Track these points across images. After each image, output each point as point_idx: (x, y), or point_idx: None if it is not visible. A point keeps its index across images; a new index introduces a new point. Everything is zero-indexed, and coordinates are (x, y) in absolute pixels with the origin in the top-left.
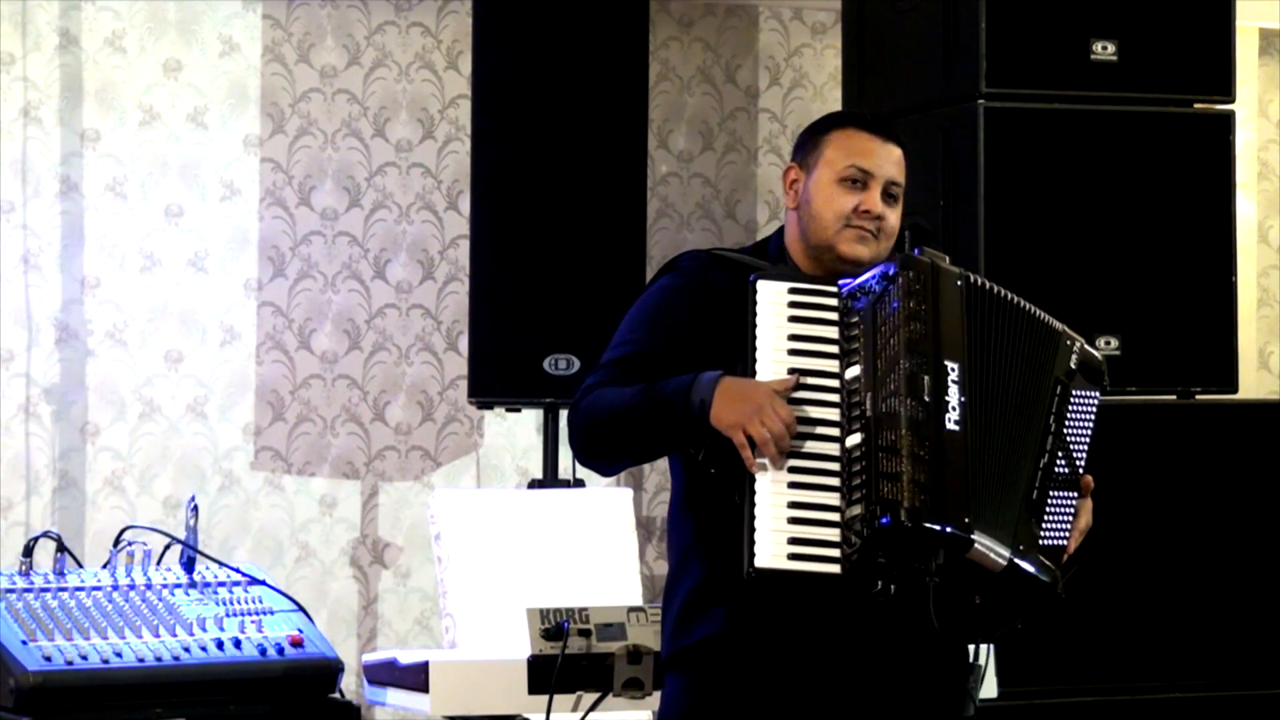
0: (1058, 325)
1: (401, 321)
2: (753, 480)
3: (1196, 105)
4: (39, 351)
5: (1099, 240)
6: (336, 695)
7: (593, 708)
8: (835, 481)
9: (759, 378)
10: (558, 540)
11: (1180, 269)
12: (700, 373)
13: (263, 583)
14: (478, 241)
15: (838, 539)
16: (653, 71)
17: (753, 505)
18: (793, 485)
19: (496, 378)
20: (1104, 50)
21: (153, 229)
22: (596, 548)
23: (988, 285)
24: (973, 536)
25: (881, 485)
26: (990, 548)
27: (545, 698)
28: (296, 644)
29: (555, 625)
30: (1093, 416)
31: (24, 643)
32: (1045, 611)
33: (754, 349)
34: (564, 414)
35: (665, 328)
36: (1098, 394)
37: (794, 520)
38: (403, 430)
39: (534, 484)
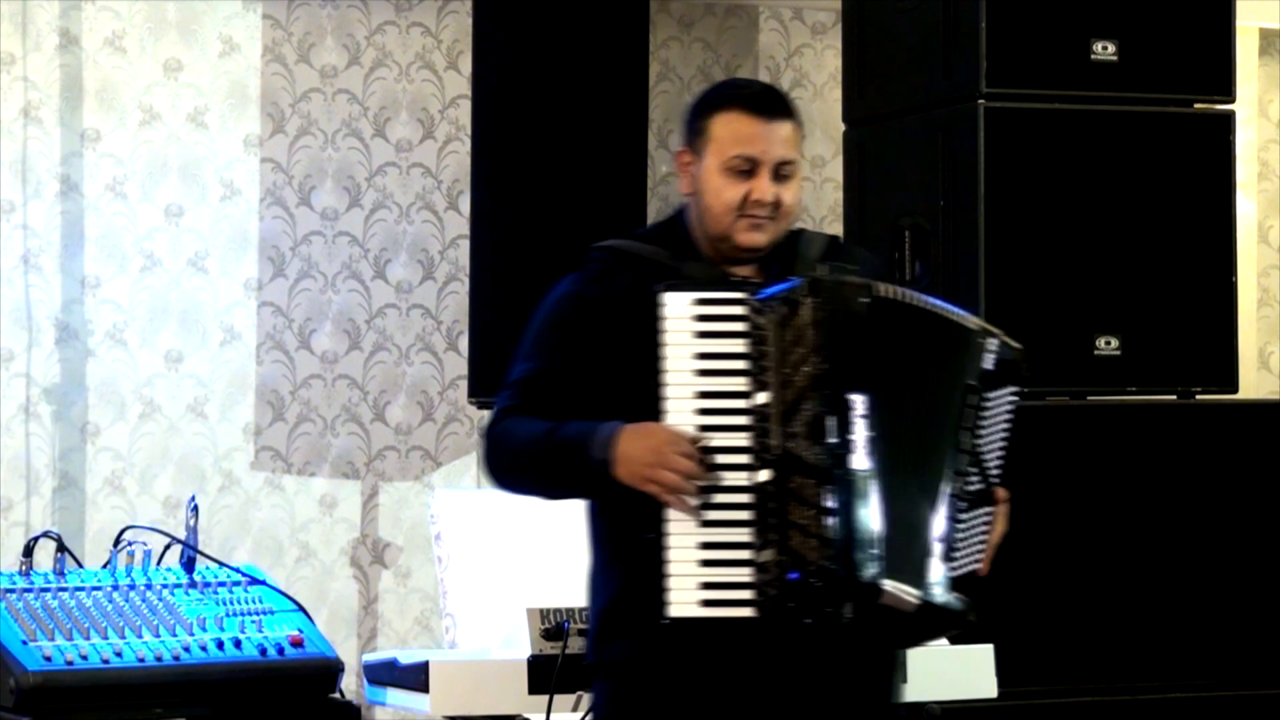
0: (971, 323)
1: (401, 321)
2: (663, 519)
3: (1196, 105)
4: (39, 351)
5: (1099, 240)
6: (336, 695)
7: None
8: (746, 515)
9: (668, 401)
10: (558, 540)
11: (1180, 269)
12: (597, 427)
13: (263, 583)
14: (478, 241)
15: (750, 579)
16: (653, 71)
17: (664, 549)
18: (704, 524)
19: (496, 378)
20: (1104, 50)
21: (153, 229)
22: None
23: (895, 295)
24: (882, 584)
25: (791, 535)
26: (900, 591)
27: (545, 698)
28: (296, 644)
29: (555, 625)
30: (1010, 415)
31: (24, 643)
32: (958, 633)
33: (662, 371)
34: None
35: (571, 344)
36: (1013, 389)
37: (706, 563)
38: (403, 430)
39: None
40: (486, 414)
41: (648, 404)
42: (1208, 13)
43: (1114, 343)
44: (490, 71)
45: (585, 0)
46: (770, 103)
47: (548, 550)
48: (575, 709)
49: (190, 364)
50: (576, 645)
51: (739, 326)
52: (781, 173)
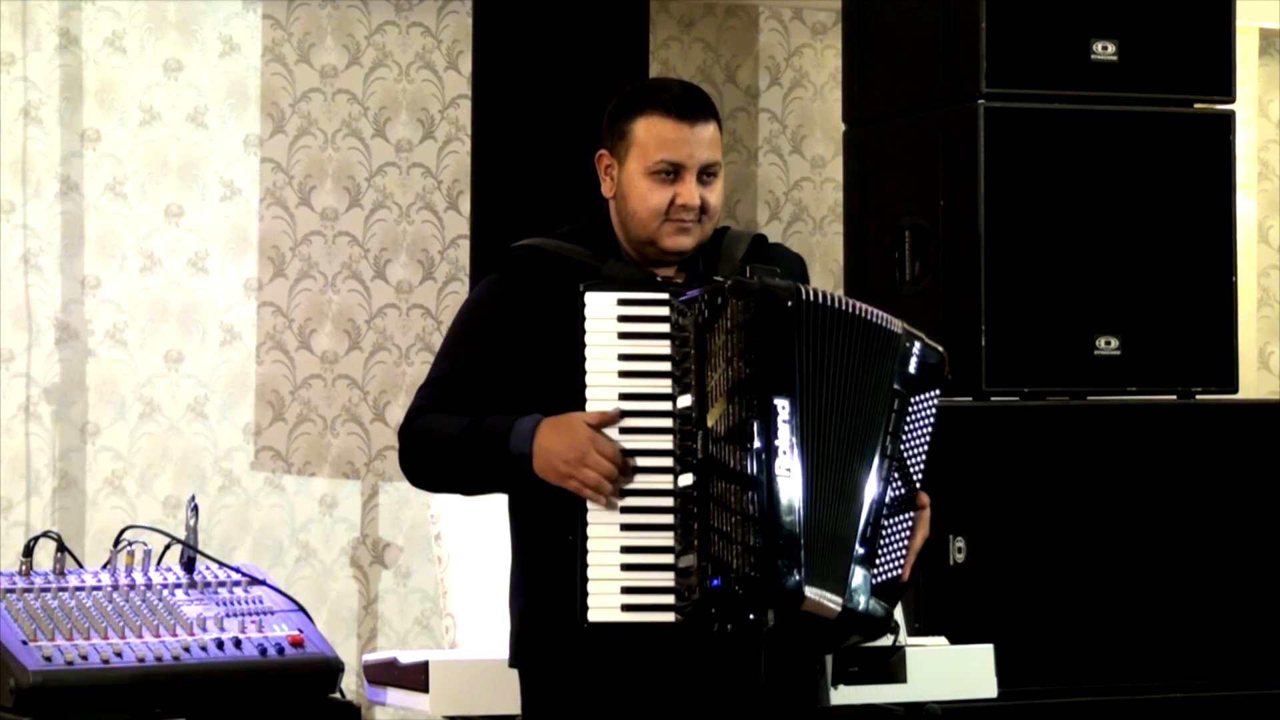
0: (896, 326)
1: (401, 321)
2: (585, 523)
3: (1196, 105)
4: (39, 351)
5: (1099, 240)
6: (336, 695)
7: None
8: (668, 519)
9: (589, 404)
10: None
11: (1180, 269)
12: (516, 421)
13: (263, 583)
14: (478, 241)
15: (672, 584)
16: (653, 71)
17: (585, 553)
18: (625, 527)
19: None
20: (1104, 50)
21: (153, 229)
22: None
23: (820, 298)
24: (804, 592)
25: (713, 541)
26: (823, 599)
27: None
28: (296, 644)
29: None
30: (932, 418)
31: (24, 643)
32: (879, 638)
33: (584, 372)
34: None
35: (491, 343)
36: (937, 392)
37: (627, 567)
38: None
39: None
40: None
41: (568, 404)
42: (1208, 13)
43: (1114, 343)
44: (490, 71)
45: (585, 0)
46: (692, 105)
47: None
48: None
49: (190, 364)
50: None
51: (662, 328)
52: (706, 175)
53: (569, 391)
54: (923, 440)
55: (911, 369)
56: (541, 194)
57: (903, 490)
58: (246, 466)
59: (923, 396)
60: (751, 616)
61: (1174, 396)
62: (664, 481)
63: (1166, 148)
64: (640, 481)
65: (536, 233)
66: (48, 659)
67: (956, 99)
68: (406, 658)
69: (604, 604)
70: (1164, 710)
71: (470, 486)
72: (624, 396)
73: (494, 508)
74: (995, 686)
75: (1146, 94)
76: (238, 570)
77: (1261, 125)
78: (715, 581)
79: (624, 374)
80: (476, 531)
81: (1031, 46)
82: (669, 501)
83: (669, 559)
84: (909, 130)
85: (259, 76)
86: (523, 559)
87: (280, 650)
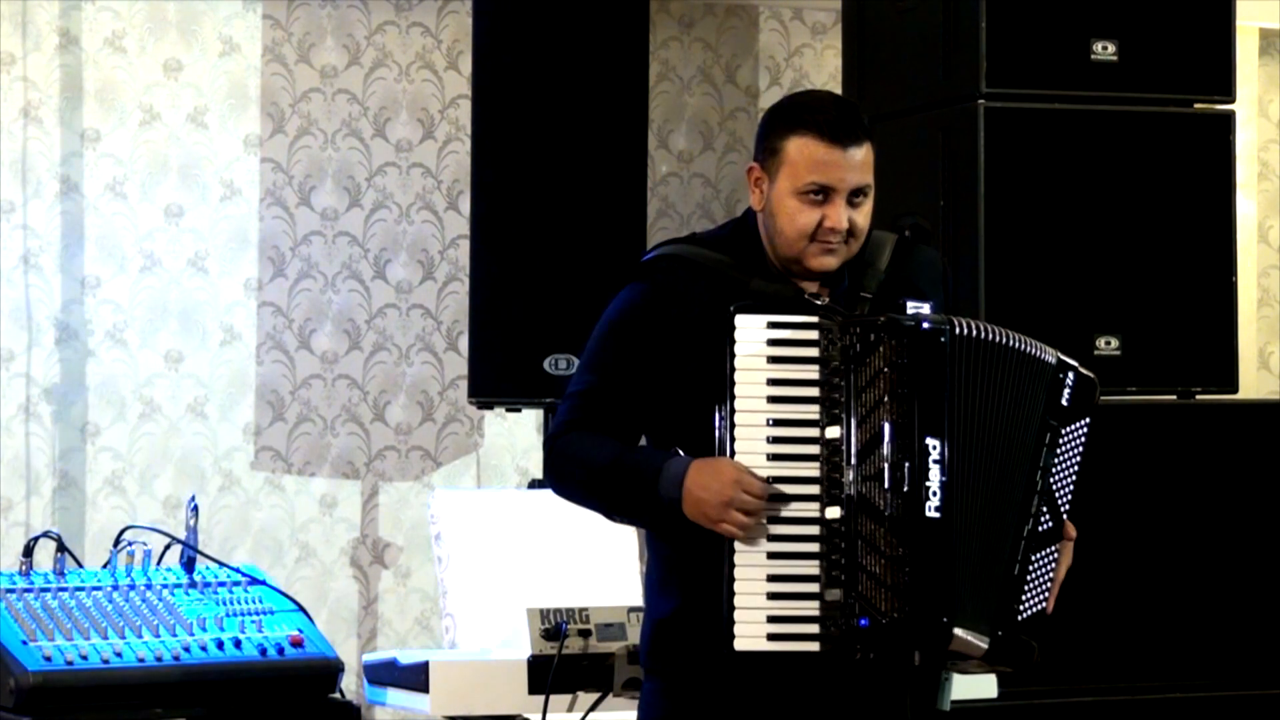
0: (1050, 356)
1: (401, 321)
2: (732, 549)
3: (1196, 105)
4: (39, 351)
5: (1099, 240)
6: (336, 695)
7: (593, 708)
8: (814, 548)
9: (738, 428)
10: (558, 540)
11: (1180, 269)
12: (665, 464)
13: (263, 583)
14: (478, 241)
15: (816, 613)
16: (653, 71)
17: (732, 580)
18: (772, 555)
19: (496, 378)
20: (1104, 50)
21: (153, 229)
22: (596, 548)
23: (975, 333)
24: (954, 633)
25: (861, 579)
26: (970, 638)
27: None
28: (296, 644)
29: (555, 625)
30: (1082, 447)
31: (24, 643)
32: (1022, 669)
33: (732, 397)
34: None
35: (632, 357)
36: (1087, 421)
37: (773, 595)
38: (403, 430)
39: (534, 484)
40: (486, 414)
41: (711, 421)
42: (1208, 13)
43: (1114, 343)
44: (490, 71)
45: (585, 0)
46: (846, 128)
47: (548, 550)
48: (570, 709)
49: (190, 364)
50: (575, 645)
51: (812, 352)
52: (856, 196)
53: (713, 408)
54: (1072, 470)
55: (1064, 400)
56: (541, 194)
57: (1050, 524)
58: (246, 466)
59: (1073, 427)
60: (897, 652)
61: (1174, 396)
62: (811, 510)
63: (1166, 148)
64: (787, 510)
65: (537, 232)
66: (48, 659)
67: (956, 99)
68: (406, 658)
69: (750, 633)
70: (1164, 710)
71: (614, 517)
72: (772, 423)
73: (494, 508)
74: (995, 686)
75: (1146, 94)
76: (238, 570)
77: (1261, 125)
78: (863, 622)
79: (773, 399)
80: (476, 532)
81: (1031, 46)
82: (815, 530)
83: (814, 588)
84: (909, 130)
85: (259, 76)
86: (662, 569)
87: (280, 650)
